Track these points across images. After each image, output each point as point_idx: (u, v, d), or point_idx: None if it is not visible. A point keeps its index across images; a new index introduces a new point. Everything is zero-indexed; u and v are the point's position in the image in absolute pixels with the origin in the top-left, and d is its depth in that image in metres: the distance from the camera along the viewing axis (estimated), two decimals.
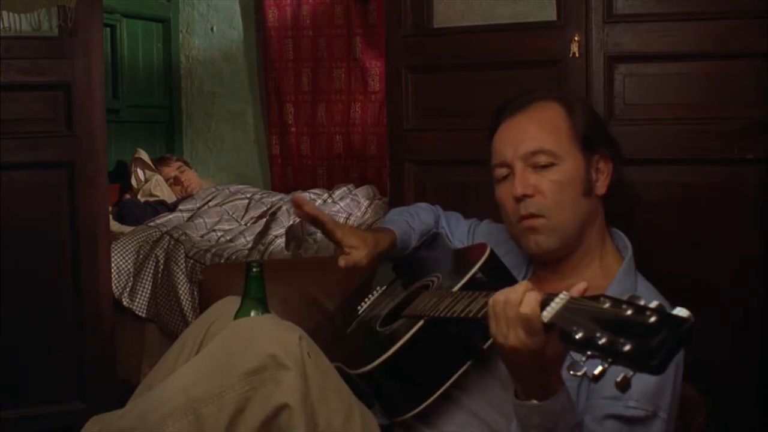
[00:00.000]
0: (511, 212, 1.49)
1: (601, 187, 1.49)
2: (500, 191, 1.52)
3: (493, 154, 1.53)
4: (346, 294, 1.79)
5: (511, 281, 1.44)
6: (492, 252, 1.45)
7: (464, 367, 1.37)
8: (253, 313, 1.45)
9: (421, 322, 1.37)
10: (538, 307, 1.08)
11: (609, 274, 1.47)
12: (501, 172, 1.51)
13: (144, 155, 3.92)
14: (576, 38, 2.12)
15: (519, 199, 1.46)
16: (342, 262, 1.55)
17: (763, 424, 2.02)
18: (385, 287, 1.71)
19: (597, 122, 1.54)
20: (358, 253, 1.55)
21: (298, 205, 1.56)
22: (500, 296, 1.13)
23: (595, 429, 1.29)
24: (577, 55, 2.12)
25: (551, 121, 1.49)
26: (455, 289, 1.38)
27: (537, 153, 1.46)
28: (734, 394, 2.00)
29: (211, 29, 4.50)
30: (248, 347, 1.30)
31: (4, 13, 2.34)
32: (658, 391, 1.32)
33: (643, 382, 1.03)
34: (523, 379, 1.18)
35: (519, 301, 1.09)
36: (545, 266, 1.53)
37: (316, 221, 1.57)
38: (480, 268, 1.41)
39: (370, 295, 1.72)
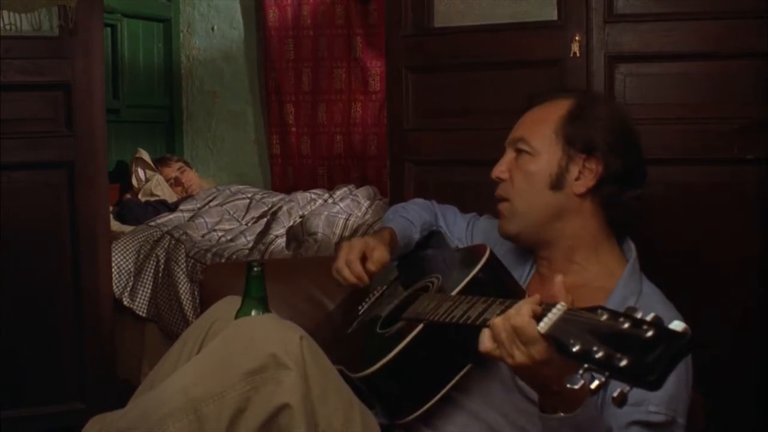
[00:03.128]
0: None
1: (579, 186, 1.47)
2: None
3: None
4: (346, 294, 1.79)
5: (512, 282, 1.44)
6: (492, 253, 1.44)
7: (464, 370, 1.37)
8: (253, 313, 1.45)
9: (420, 326, 1.37)
10: (528, 315, 1.08)
11: (613, 275, 1.47)
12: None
13: (144, 155, 3.92)
14: (576, 38, 2.12)
15: (495, 182, 1.55)
16: (372, 267, 1.57)
17: (763, 424, 2.03)
18: (385, 287, 1.71)
19: (608, 128, 1.49)
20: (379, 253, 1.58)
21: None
22: (498, 319, 1.14)
23: None
24: (577, 54, 2.12)
25: (546, 115, 1.52)
26: (455, 292, 1.38)
27: (519, 140, 1.53)
28: (734, 394, 2.00)
29: (212, 29, 4.50)
30: (249, 347, 1.30)
31: (5, 13, 2.34)
32: (676, 396, 1.32)
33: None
34: (546, 392, 1.16)
35: (513, 316, 1.11)
36: (545, 264, 1.54)
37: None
38: (480, 270, 1.40)
39: (370, 295, 1.72)
